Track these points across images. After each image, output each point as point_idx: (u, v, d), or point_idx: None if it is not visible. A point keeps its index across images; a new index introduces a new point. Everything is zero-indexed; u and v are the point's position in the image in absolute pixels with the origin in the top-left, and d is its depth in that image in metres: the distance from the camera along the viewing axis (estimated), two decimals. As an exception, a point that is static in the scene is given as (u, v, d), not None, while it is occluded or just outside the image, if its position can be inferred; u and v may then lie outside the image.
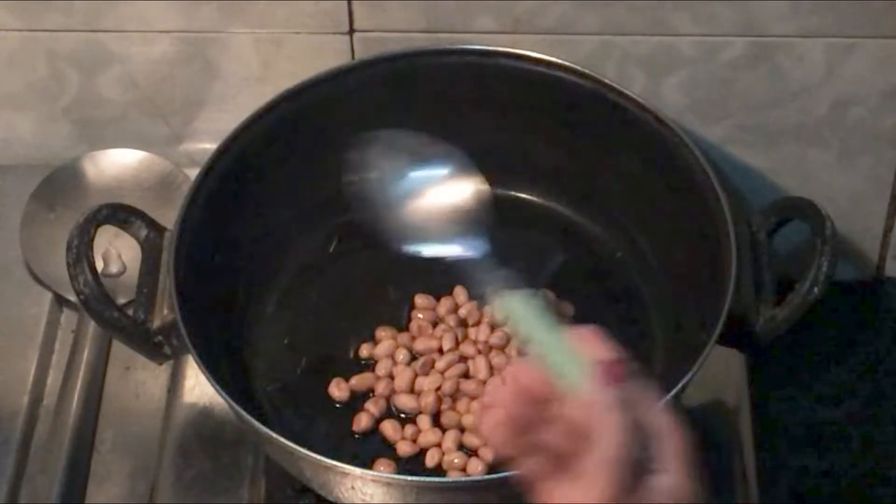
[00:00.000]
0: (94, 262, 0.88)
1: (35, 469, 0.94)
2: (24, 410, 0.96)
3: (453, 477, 0.90)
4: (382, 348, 0.96)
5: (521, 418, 0.62)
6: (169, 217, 0.92)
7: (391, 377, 0.95)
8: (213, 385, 0.85)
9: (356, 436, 0.93)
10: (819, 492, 0.97)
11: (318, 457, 0.82)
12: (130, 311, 0.90)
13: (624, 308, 0.98)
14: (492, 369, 0.95)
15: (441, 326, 0.97)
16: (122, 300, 0.96)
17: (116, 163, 1.06)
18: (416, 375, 0.94)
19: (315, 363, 0.96)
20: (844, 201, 1.02)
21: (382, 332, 0.97)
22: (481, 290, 0.73)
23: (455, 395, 0.93)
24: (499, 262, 0.99)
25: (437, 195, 0.79)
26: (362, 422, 0.93)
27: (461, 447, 0.92)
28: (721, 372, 0.95)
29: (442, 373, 0.94)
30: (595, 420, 0.60)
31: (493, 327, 0.97)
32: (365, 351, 0.97)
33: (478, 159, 1.02)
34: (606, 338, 0.63)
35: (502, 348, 0.96)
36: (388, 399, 0.94)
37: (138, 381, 0.98)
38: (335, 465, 0.82)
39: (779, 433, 1.00)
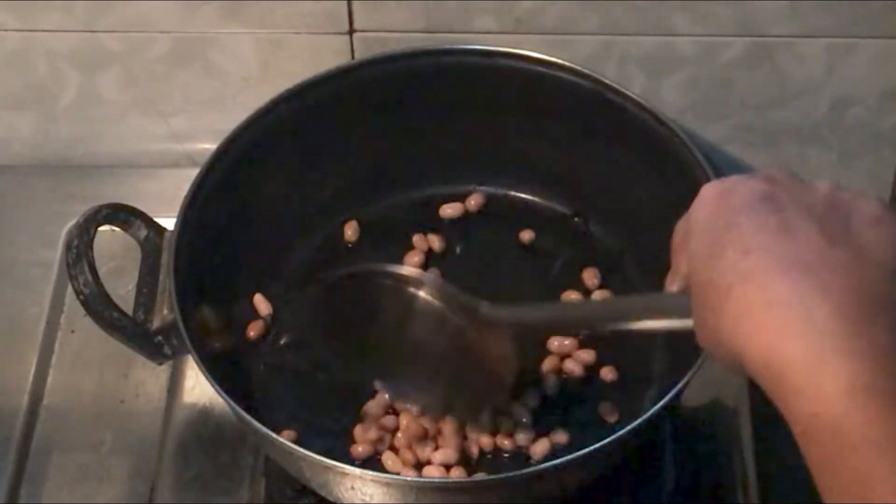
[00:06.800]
0: (93, 262, 0.88)
1: (35, 469, 0.94)
2: (24, 410, 0.96)
3: (453, 477, 0.90)
4: None
5: None
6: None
7: None
8: (212, 385, 0.84)
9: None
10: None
11: (318, 457, 0.81)
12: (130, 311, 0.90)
13: (624, 308, 0.98)
14: None
15: None
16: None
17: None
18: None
19: (314, 363, 0.96)
20: (844, 201, 1.02)
21: None
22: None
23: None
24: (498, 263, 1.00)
25: None
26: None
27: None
28: (721, 372, 0.94)
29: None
30: None
31: None
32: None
33: (477, 159, 1.03)
34: None
35: None
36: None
37: (138, 381, 0.98)
38: (335, 465, 0.82)
39: (779, 433, 0.99)
